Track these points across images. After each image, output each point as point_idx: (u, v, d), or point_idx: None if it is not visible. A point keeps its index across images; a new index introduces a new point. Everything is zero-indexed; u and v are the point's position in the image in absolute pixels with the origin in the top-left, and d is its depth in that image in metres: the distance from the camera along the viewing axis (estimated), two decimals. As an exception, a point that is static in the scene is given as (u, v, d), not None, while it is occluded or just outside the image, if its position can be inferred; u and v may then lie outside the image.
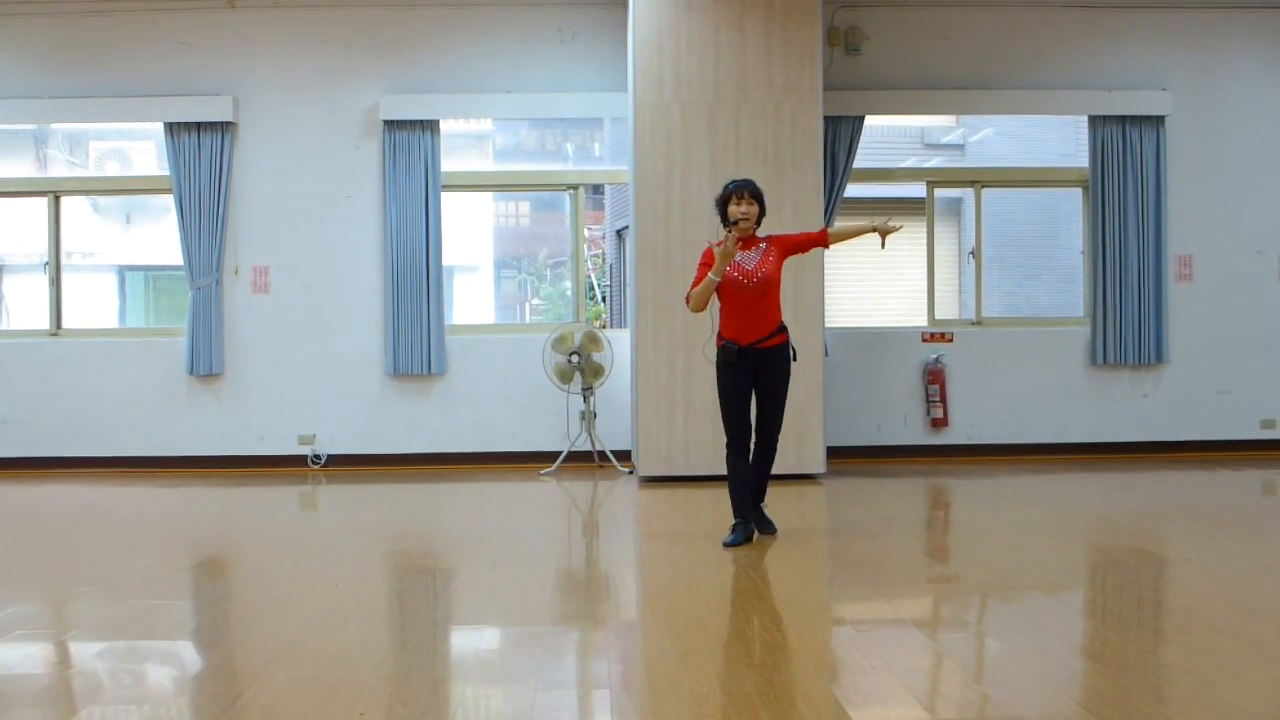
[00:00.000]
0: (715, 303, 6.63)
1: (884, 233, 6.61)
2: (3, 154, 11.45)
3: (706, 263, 6.56)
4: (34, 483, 9.70)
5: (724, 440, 6.66)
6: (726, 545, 6.51)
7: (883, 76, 10.36)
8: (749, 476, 6.66)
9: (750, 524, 6.69)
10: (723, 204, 6.58)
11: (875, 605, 5.43)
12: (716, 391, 6.64)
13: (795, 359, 6.73)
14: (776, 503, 7.05)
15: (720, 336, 6.61)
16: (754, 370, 6.56)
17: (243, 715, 3.82)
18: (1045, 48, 10.49)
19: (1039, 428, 10.48)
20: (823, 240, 6.71)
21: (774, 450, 6.76)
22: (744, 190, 6.53)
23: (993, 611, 5.35)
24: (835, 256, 10.12)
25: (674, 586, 5.74)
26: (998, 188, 11.26)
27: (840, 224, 6.75)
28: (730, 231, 6.38)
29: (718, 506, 8.00)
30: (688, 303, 6.54)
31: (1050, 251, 13.97)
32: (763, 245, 6.59)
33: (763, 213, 6.60)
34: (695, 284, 6.51)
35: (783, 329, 6.62)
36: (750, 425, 6.64)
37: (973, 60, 10.45)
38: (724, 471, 6.78)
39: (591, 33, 10.29)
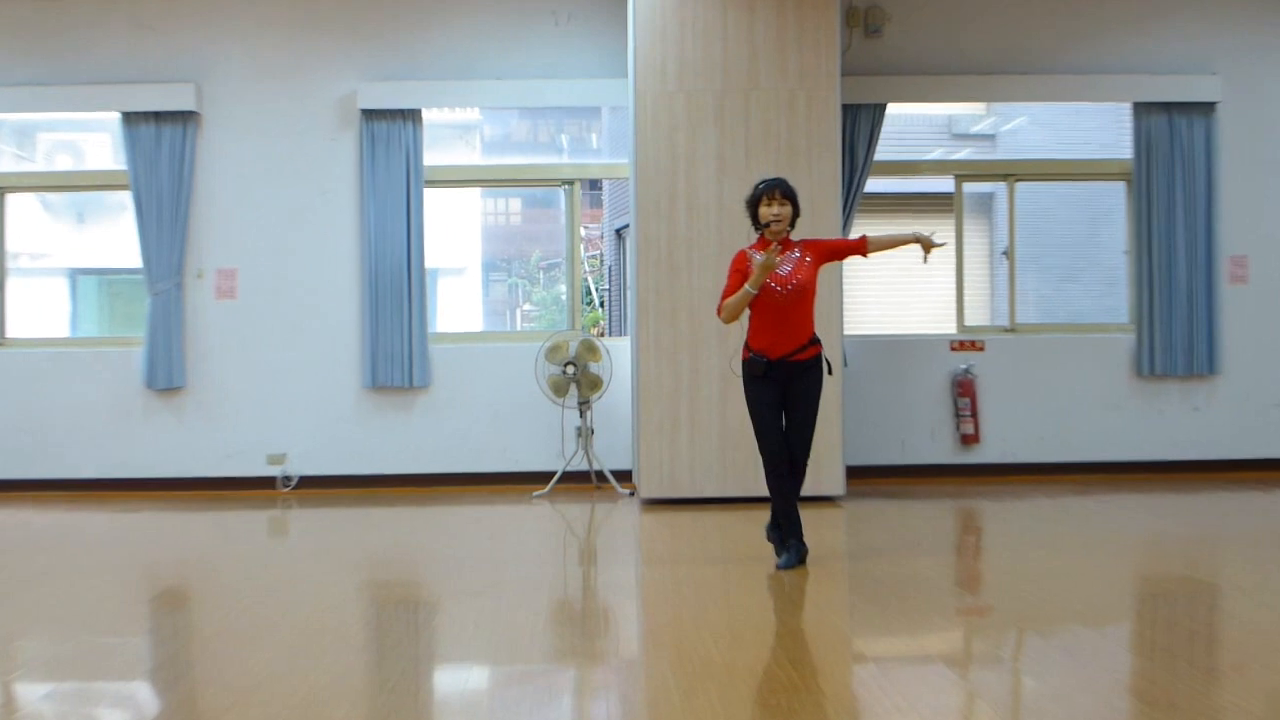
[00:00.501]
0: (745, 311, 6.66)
1: (927, 246, 6.62)
2: (-56, 147, 11.46)
3: (740, 269, 6.60)
4: (-22, 507, 9.70)
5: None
6: (779, 568, 6.63)
7: (906, 60, 10.37)
8: (794, 495, 6.72)
9: (803, 544, 6.75)
10: (753, 205, 6.66)
11: (899, 640, 5.42)
12: (745, 405, 6.68)
13: (831, 373, 6.78)
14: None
15: (748, 348, 6.67)
16: (784, 385, 6.61)
17: (205, 762, 3.81)
18: (1085, 28, 10.49)
19: (1079, 444, 10.47)
20: (861, 249, 6.74)
21: (802, 474, 6.79)
22: (776, 190, 6.61)
23: (1029, 647, 5.33)
24: (855, 260, 10.10)
25: (679, 620, 5.73)
26: (1033, 182, 11.26)
27: (880, 233, 6.77)
28: (774, 244, 6.44)
29: (726, 532, 7.99)
30: (719, 314, 6.63)
31: (1091, 251, 13.95)
32: (796, 251, 6.65)
33: (796, 213, 6.67)
34: (728, 293, 6.58)
35: (816, 340, 6.68)
36: (782, 438, 6.66)
37: (1005, 42, 10.45)
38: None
39: (588, 14, 10.30)
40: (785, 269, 6.58)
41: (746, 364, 6.64)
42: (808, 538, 6.98)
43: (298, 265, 10.26)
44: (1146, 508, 9.16)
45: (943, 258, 11.06)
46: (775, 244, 6.45)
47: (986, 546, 8.22)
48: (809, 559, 6.86)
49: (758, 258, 6.51)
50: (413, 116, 10.16)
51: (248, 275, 10.27)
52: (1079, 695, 4.43)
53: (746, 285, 6.45)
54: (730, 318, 6.60)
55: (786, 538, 6.73)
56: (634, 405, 9.52)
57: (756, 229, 6.68)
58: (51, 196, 11.48)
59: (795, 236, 6.76)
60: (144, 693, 4.78)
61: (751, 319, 6.65)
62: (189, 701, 4.61)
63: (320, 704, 4.38)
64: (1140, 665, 4.99)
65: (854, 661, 5.08)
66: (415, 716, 4.37)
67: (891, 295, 12.82)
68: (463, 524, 8.89)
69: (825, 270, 8.81)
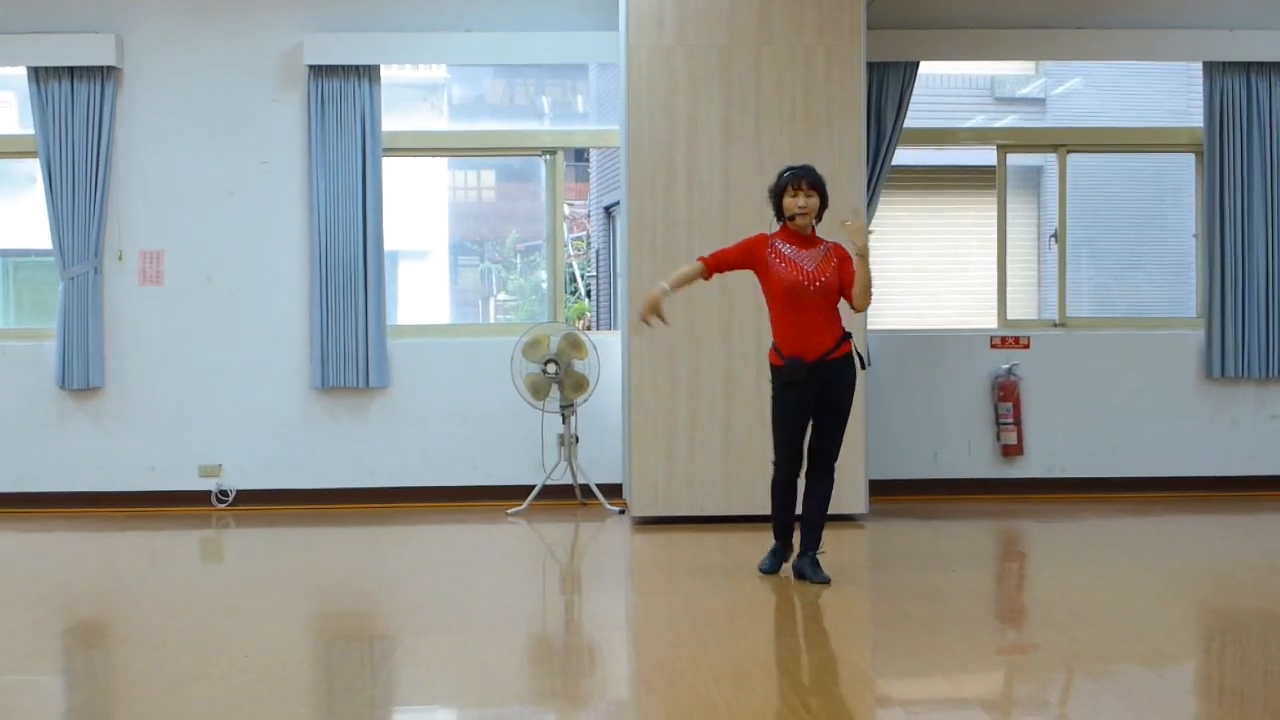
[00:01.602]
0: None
1: (854, 235, 6.83)
2: None
3: (750, 248, 7.01)
4: None
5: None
6: (762, 571, 7.18)
7: (942, 12, 10.39)
8: (824, 502, 7.08)
9: (790, 551, 7.18)
10: (777, 195, 7.00)
11: (930, 681, 5.45)
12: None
13: (865, 366, 7.17)
14: (827, 549, 7.11)
15: (778, 353, 6.95)
16: (819, 388, 6.91)
17: (128, 819, 3.83)
18: (1147, -24, 10.53)
19: (1138, 457, 10.50)
20: (850, 305, 7.02)
21: (829, 485, 7.13)
22: (802, 179, 6.94)
23: (1080, 690, 5.36)
24: (882, 240, 10.13)
25: (676, 656, 5.75)
26: (1088, 153, 11.29)
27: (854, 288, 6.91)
28: (773, 229, 6.95)
29: (729, 554, 8.02)
30: (702, 259, 7.08)
31: (1154, 234, 13.99)
32: (826, 247, 6.97)
33: (825, 205, 7.01)
34: (721, 253, 7.08)
35: (848, 336, 7.01)
36: (804, 454, 7.04)
37: (1056, -9, 10.48)
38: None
39: (573, -44, 10.33)
40: (810, 265, 6.88)
41: (784, 370, 6.91)
42: (825, 561, 7.05)
43: (235, 246, 10.26)
44: (1215, 529, 9.20)
45: (983, 242, 11.15)
46: (664, 295, 7.00)
47: (1030, 574, 8.25)
48: (818, 588, 6.90)
49: (781, 247, 6.92)
50: (369, 74, 10.17)
51: (176, 258, 10.27)
52: (1136, 745, 4.47)
53: (663, 283, 7.00)
54: (679, 278, 7.06)
55: (787, 537, 7.19)
56: (625, 410, 9.53)
57: (779, 220, 7.00)
58: (-52, 166, 11.48)
59: (826, 235, 7.09)
60: (57, 740, 4.80)
61: (776, 319, 6.95)
62: (109, 750, 4.63)
63: (261, 753, 4.41)
64: (1207, 711, 5.02)
65: (877, 705, 5.10)
66: (371, 768, 4.40)
67: (923, 284, 12.85)
68: (426, 546, 8.90)
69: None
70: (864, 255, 6.80)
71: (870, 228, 7.08)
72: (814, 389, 6.88)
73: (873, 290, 6.93)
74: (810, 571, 7.00)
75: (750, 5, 9.12)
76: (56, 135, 10.10)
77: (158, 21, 10.23)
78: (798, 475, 7.05)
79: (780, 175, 7.02)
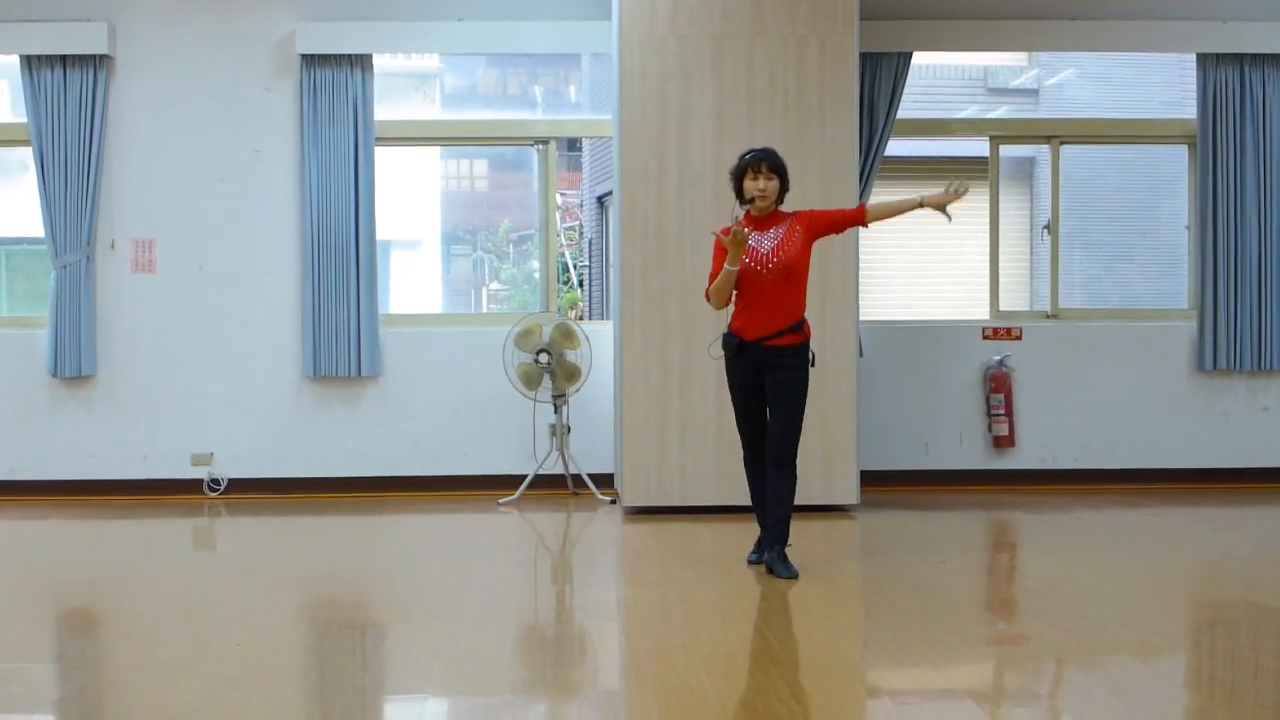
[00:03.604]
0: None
1: (941, 205, 6.85)
2: None
3: (716, 253, 6.96)
4: None
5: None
6: (750, 563, 7.19)
7: (935, 3, 10.36)
8: (786, 496, 7.01)
9: (785, 558, 7.02)
10: (738, 177, 6.97)
11: (920, 671, 5.46)
12: (725, 399, 7.17)
13: (814, 364, 7.08)
14: (797, 542, 7.09)
15: (728, 326, 7.06)
16: (759, 372, 6.96)
17: (119, 807, 3.84)
18: (1141, -33, 10.53)
19: (1130, 449, 10.51)
20: (860, 218, 7.15)
21: (788, 479, 7.00)
22: (762, 163, 6.90)
23: (1070, 681, 5.38)
24: (873, 232, 10.14)
25: (666, 646, 5.76)
26: (1080, 144, 11.29)
27: (880, 199, 6.95)
28: (737, 220, 6.81)
29: (721, 544, 8.03)
30: (708, 299, 7.03)
31: (1147, 226, 14.02)
32: (785, 223, 6.93)
33: (785, 188, 6.99)
34: (713, 276, 6.98)
35: (797, 327, 6.92)
36: (761, 434, 7.07)
37: (1049, -17, 10.48)
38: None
39: (566, -55, 10.32)
40: (766, 245, 6.87)
41: (722, 342, 7.05)
42: (815, 555, 7.07)
43: (227, 235, 10.25)
44: (1206, 522, 9.22)
45: (975, 231, 11.15)
46: (738, 222, 6.75)
47: (1021, 565, 8.27)
48: (808, 579, 6.90)
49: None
50: (361, 63, 10.16)
51: (168, 246, 10.26)
52: (1125, 736, 4.48)
53: (726, 264, 6.78)
54: (720, 302, 7.00)
55: (770, 545, 7.03)
56: (617, 400, 9.54)
57: (740, 204, 6.98)
58: (-60, 153, 11.45)
59: (787, 208, 7.07)
60: (48, 728, 4.80)
61: (738, 299, 6.98)
62: (100, 738, 4.63)
63: (252, 742, 4.42)
64: (1196, 702, 5.03)
65: (867, 696, 5.12)
66: (361, 756, 4.40)
67: (915, 275, 12.87)
68: (418, 535, 8.91)
69: (839, 247, 8.88)
70: (938, 203, 6.88)
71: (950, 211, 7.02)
72: (754, 368, 6.94)
73: (910, 223, 7.04)
74: (778, 567, 6.94)
75: (744, -5, 9.11)
76: (49, 124, 10.07)
77: (150, 10, 10.21)
78: (760, 454, 7.04)
79: (741, 158, 6.99)
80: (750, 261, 6.82)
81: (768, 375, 6.92)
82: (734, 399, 7.11)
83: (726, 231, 6.75)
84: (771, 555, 6.99)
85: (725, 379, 7.13)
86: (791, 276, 6.86)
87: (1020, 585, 7.56)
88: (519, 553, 8.50)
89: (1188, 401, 10.55)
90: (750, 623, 6.19)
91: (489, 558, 8.08)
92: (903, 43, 10.21)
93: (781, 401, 6.93)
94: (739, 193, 6.95)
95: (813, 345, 7.06)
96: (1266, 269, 10.41)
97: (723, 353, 7.06)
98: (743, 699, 4.96)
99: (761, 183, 6.86)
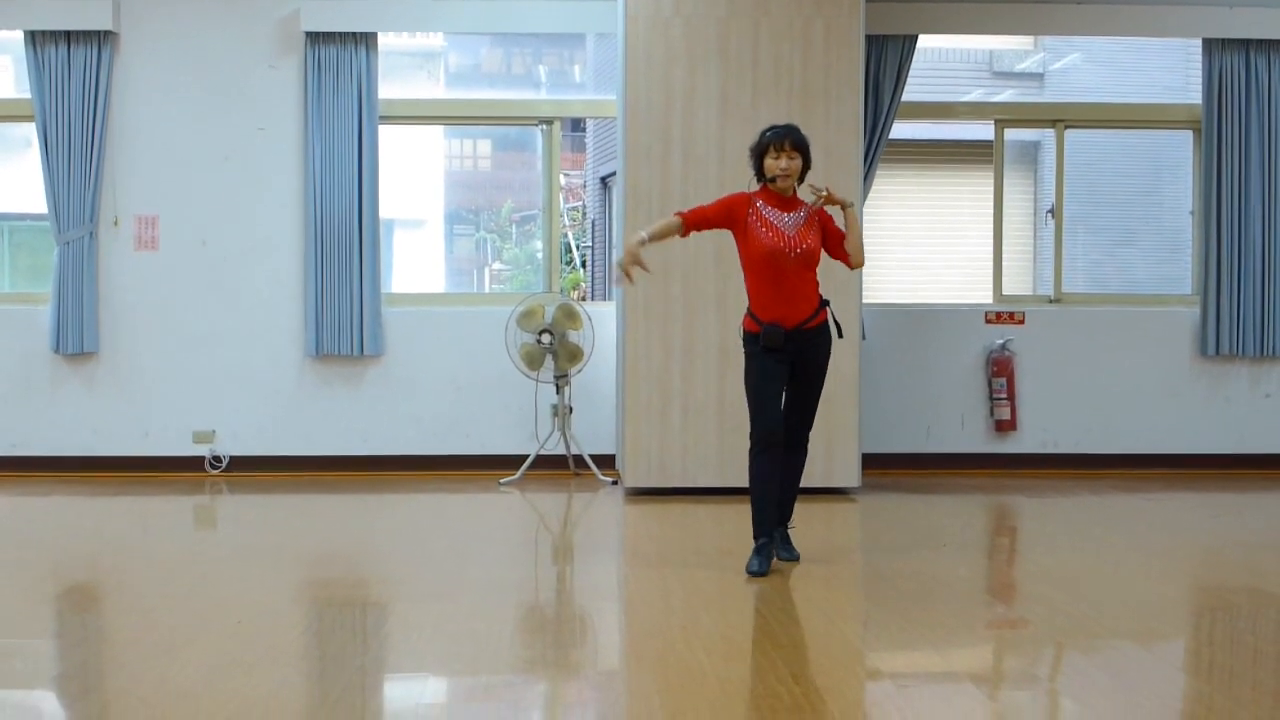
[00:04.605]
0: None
1: (829, 201, 6.73)
2: None
3: (729, 206, 6.76)
4: None
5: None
6: (751, 573, 6.59)
7: (941, -15, 10.37)
8: (778, 487, 6.76)
9: (789, 541, 6.89)
10: (758, 155, 6.74)
11: (920, 654, 5.45)
12: (745, 382, 6.75)
13: (841, 335, 6.91)
14: (798, 524, 7.08)
15: (754, 318, 6.72)
16: (794, 357, 6.71)
17: (118, 784, 3.84)
18: (1148, -49, 10.49)
19: (1131, 434, 10.52)
20: (845, 262, 6.90)
21: (805, 454, 6.93)
22: (785, 140, 6.68)
23: (1069, 665, 5.38)
24: (877, 215, 10.11)
25: (667, 627, 5.76)
26: (1085, 129, 11.26)
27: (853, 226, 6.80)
28: (636, 246, 6.62)
29: (722, 525, 8.03)
30: (683, 219, 6.77)
31: (1151, 211, 13.98)
32: (806, 211, 6.73)
33: (807, 167, 6.76)
34: (699, 211, 6.81)
35: (826, 302, 6.81)
36: (782, 420, 6.74)
37: (1056, -34, 10.45)
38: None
39: (572, -76, 10.29)
40: (793, 230, 6.66)
41: (760, 336, 6.68)
42: (816, 538, 7.04)
43: (230, 213, 10.24)
44: (1207, 507, 9.22)
45: (980, 216, 11.13)
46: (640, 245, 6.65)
47: (1022, 549, 8.27)
48: (810, 561, 6.90)
49: (762, 209, 6.68)
50: (366, 41, 10.13)
51: (171, 223, 10.25)
52: (1124, 720, 4.48)
53: (643, 234, 6.69)
54: (664, 230, 6.79)
55: (770, 528, 6.72)
56: (619, 381, 9.53)
57: (759, 181, 6.75)
58: (-57, 128, 11.43)
59: (805, 198, 6.83)
60: (47, 704, 4.80)
61: (756, 284, 6.73)
62: (99, 717, 4.63)
63: None
64: (1197, 688, 5.03)
65: (867, 678, 5.12)
66: (361, 735, 4.40)
67: (919, 258, 12.84)
68: (419, 515, 8.91)
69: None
70: (849, 205, 6.71)
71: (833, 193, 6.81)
72: (790, 356, 6.68)
73: (916, 207, 6.87)
74: (780, 548, 6.85)
75: (749, -24, 9.08)
76: (53, 99, 10.06)
77: (154, -14, 10.19)
78: (779, 443, 6.69)
79: (762, 135, 6.75)
80: (778, 243, 6.60)
81: (801, 357, 6.70)
82: (767, 386, 6.68)
83: (768, 195, 6.68)
84: (779, 533, 6.84)
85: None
86: (812, 261, 6.71)
87: (1020, 569, 7.56)
88: (520, 533, 8.51)
89: (1190, 387, 10.54)
90: (750, 604, 6.19)
91: (490, 538, 8.08)
92: (908, 25, 10.19)
93: (813, 382, 6.77)
94: (759, 170, 6.73)
95: (834, 317, 6.90)
96: (1270, 255, 10.41)
97: (750, 344, 6.71)
98: (742, 680, 4.97)
99: (784, 161, 6.63)
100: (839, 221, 6.80)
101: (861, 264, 6.94)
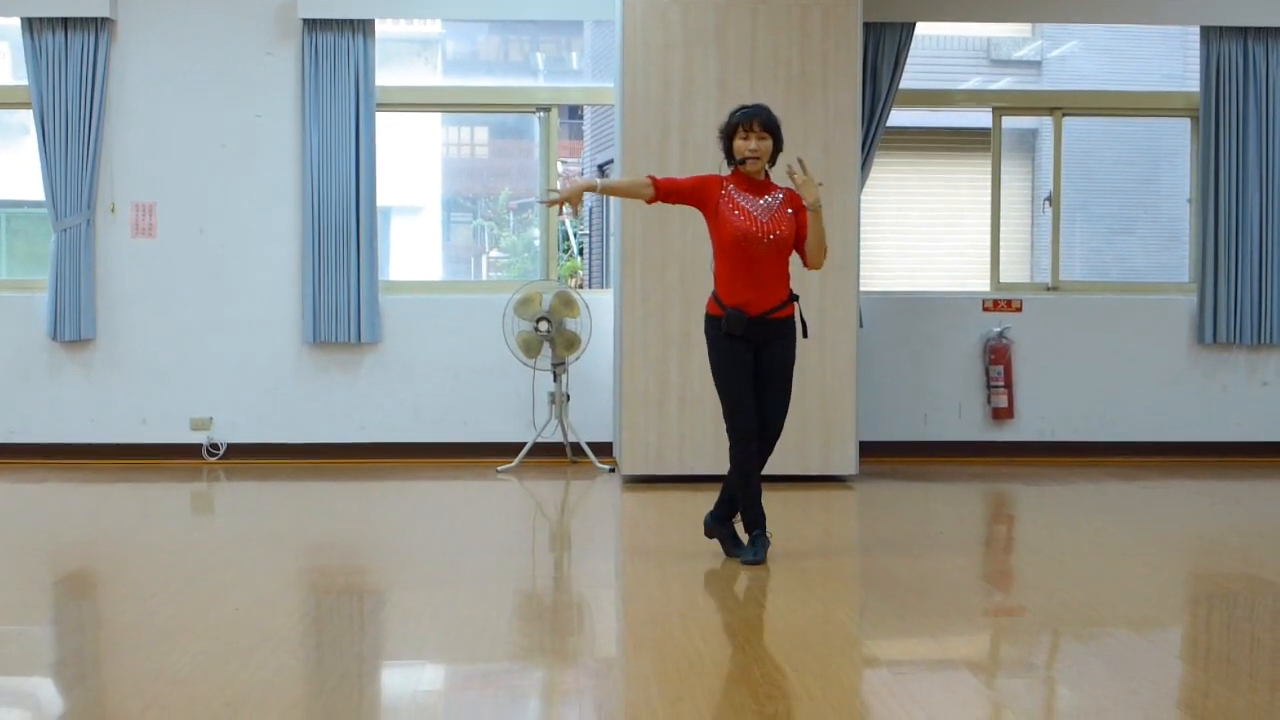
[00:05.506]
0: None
1: (804, 189, 6.53)
2: None
3: (701, 185, 6.60)
4: None
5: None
6: (747, 562, 6.53)
7: (939, -28, 10.35)
8: (760, 472, 6.65)
9: (766, 537, 6.67)
10: (728, 136, 6.55)
11: (917, 642, 5.46)
12: (713, 372, 6.59)
13: (807, 335, 6.71)
14: (795, 513, 7.11)
15: (718, 302, 6.57)
16: (757, 347, 6.54)
17: (115, 771, 3.83)
18: (1146, -61, 10.48)
19: (1129, 422, 10.52)
20: (803, 262, 6.68)
21: (772, 449, 6.70)
22: (754, 120, 6.47)
23: (1066, 652, 5.38)
24: (874, 203, 10.10)
25: (664, 615, 5.76)
26: (1083, 116, 11.25)
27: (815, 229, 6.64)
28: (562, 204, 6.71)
29: (721, 516, 8.02)
30: (655, 187, 6.61)
31: (1148, 199, 13.97)
32: (779, 195, 6.55)
33: (778, 149, 6.57)
34: (671, 181, 6.73)
35: (794, 296, 6.61)
36: (756, 422, 6.57)
37: (1054, -46, 10.44)
38: (728, 471, 6.74)
39: (569, -89, 10.27)
40: (762, 214, 6.48)
41: (721, 320, 6.51)
42: (813, 526, 7.04)
43: (227, 200, 10.22)
44: (1205, 495, 9.22)
45: (976, 203, 11.12)
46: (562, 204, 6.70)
47: (1019, 537, 8.27)
48: (806, 551, 6.92)
49: (733, 192, 6.50)
50: (363, 28, 10.11)
51: (169, 210, 10.23)
52: (1121, 709, 4.48)
53: (595, 179, 6.52)
54: (619, 188, 7.01)
55: (750, 527, 6.62)
56: (616, 368, 9.52)
57: (730, 163, 6.57)
58: (-60, 115, 11.42)
59: (778, 181, 6.66)
60: (44, 691, 4.80)
61: (724, 268, 6.55)
62: (96, 703, 4.63)
63: (249, 708, 4.41)
64: (1193, 676, 5.03)
65: (864, 666, 5.12)
66: (358, 722, 4.40)
67: (916, 246, 12.84)
68: (416, 502, 8.91)
69: (839, 217, 8.85)
70: (817, 210, 6.45)
71: (820, 181, 6.59)
72: (752, 345, 6.49)
73: (827, 246, 6.56)
74: (734, 545, 6.72)
75: (747, -37, 9.06)
76: (50, 86, 10.03)
77: (151, -28, 10.16)
78: (756, 427, 6.51)
79: (731, 115, 6.54)
80: (750, 227, 6.41)
81: (763, 350, 6.52)
82: (731, 381, 6.51)
83: (740, 179, 6.50)
84: (757, 534, 6.63)
85: (712, 353, 6.68)
86: (784, 249, 6.50)
87: (1017, 557, 7.56)
88: (517, 520, 8.50)
89: (1187, 375, 10.54)
90: (747, 593, 6.19)
91: (487, 525, 8.08)
92: (906, 13, 10.18)
93: (773, 376, 6.54)
94: (728, 152, 6.53)
95: (809, 316, 6.78)
96: (1267, 243, 10.40)
97: (712, 329, 6.54)
98: (739, 668, 4.97)
99: (753, 142, 6.42)
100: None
101: (818, 267, 6.68)
